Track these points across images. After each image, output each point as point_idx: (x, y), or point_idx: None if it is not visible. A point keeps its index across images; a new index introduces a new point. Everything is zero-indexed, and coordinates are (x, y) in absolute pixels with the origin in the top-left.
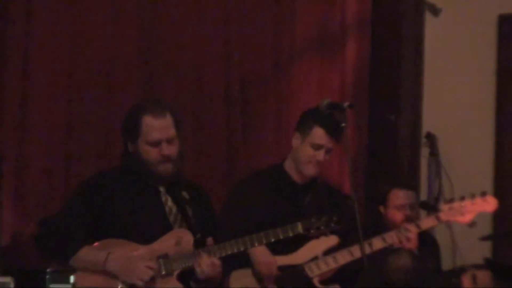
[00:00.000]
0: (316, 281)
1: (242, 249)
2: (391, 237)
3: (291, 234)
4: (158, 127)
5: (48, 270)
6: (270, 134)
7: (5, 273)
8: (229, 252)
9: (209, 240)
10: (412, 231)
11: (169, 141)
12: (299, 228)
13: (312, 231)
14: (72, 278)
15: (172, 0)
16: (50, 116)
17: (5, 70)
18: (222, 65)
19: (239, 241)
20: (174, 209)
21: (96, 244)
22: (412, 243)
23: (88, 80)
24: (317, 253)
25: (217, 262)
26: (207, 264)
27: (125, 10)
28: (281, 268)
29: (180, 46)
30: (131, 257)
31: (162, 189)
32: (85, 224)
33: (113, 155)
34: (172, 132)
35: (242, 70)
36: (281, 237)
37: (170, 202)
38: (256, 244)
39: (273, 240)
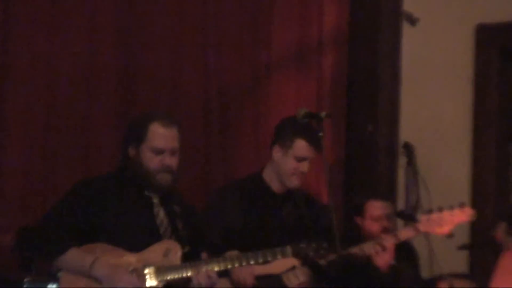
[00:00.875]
0: None
1: (229, 267)
2: (369, 248)
3: (279, 258)
4: (164, 136)
5: (25, 279)
6: (248, 143)
7: None
8: (216, 269)
9: (203, 255)
10: (388, 240)
11: (172, 152)
12: (288, 252)
13: (301, 257)
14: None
15: (151, 8)
16: (27, 120)
17: None
18: (200, 74)
19: (227, 258)
20: (165, 222)
21: (84, 246)
22: (388, 253)
23: (67, 81)
24: (295, 263)
25: (214, 275)
26: (203, 276)
27: (103, 15)
28: (259, 278)
29: (158, 54)
30: (117, 265)
31: (155, 200)
32: (75, 224)
33: (93, 158)
34: (176, 144)
35: (220, 80)
36: (269, 259)
37: (162, 214)
38: (244, 263)
39: (261, 261)
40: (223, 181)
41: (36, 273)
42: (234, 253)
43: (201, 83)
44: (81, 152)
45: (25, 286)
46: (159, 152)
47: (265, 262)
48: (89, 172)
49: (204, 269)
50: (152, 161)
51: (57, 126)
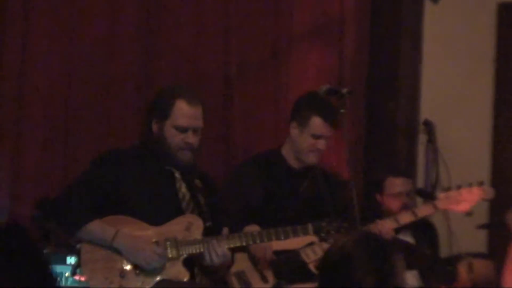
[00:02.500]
0: (312, 267)
1: (250, 243)
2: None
3: (301, 235)
4: (189, 114)
5: (45, 251)
6: (268, 118)
7: None
8: (237, 245)
9: (225, 229)
10: (406, 217)
11: (195, 130)
12: (310, 230)
13: (322, 235)
14: (69, 259)
15: None
16: (48, 95)
17: (3, 46)
18: (220, 49)
19: (248, 235)
20: (188, 196)
21: (106, 218)
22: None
23: (87, 54)
24: (313, 239)
25: (228, 253)
26: (217, 253)
27: None
28: (277, 253)
29: (179, 28)
30: (139, 237)
31: (177, 174)
32: (98, 195)
33: (112, 133)
34: (200, 123)
35: (241, 54)
36: (291, 236)
37: (184, 189)
38: (265, 240)
39: (282, 238)
40: (243, 157)
41: (55, 244)
42: (254, 228)
43: (221, 56)
44: (101, 123)
45: None
46: (182, 130)
47: (286, 239)
48: (108, 144)
49: (221, 244)
50: (174, 139)
51: (77, 98)
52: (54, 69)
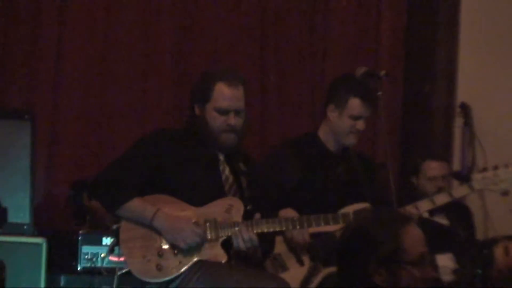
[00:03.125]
0: None
1: (290, 228)
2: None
3: (341, 223)
4: (229, 96)
5: (80, 231)
6: (305, 99)
7: (38, 235)
8: (277, 229)
9: (257, 215)
10: (442, 198)
11: (237, 112)
12: (351, 218)
13: None
14: (105, 240)
15: None
16: (84, 78)
17: (39, 28)
18: (257, 28)
19: (288, 220)
20: (231, 179)
21: (147, 197)
22: None
23: (123, 35)
24: None
25: (254, 238)
26: (243, 238)
27: None
28: (313, 235)
29: (216, 14)
30: (179, 217)
31: (221, 157)
32: (140, 175)
33: (148, 118)
34: (241, 104)
35: (278, 34)
36: (331, 224)
37: (227, 171)
38: (305, 226)
39: (323, 224)
40: (279, 138)
41: (90, 225)
42: (289, 211)
43: (258, 43)
44: (138, 111)
45: (80, 238)
46: (224, 112)
47: (326, 225)
48: (144, 128)
49: (262, 229)
50: (216, 121)
51: (113, 81)
52: (90, 52)
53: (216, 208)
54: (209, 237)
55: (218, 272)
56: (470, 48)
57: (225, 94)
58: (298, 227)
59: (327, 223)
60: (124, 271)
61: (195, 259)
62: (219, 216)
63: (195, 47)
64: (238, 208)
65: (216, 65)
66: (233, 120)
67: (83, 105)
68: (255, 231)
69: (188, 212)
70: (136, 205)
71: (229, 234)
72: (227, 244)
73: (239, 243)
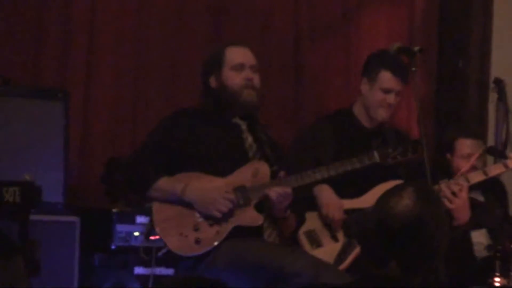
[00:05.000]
0: None
1: (318, 178)
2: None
3: (367, 163)
4: (242, 53)
5: (114, 210)
6: (339, 78)
7: (71, 213)
8: (307, 182)
9: (282, 172)
10: (477, 176)
11: (252, 68)
12: (376, 156)
13: (389, 160)
14: (138, 219)
15: None
16: (118, 57)
17: (72, 10)
18: (291, 12)
19: (316, 170)
20: (254, 147)
21: (175, 176)
22: (460, 200)
23: (156, 16)
24: None
25: (289, 191)
26: (277, 191)
27: None
28: (348, 212)
29: None
30: (209, 188)
31: (243, 126)
32: (165, 155)
33: (180, 95)
34: (253, 60)
35: (311, 17)
36: (358, 166)
37: (250, 139)
38: (332, 173)
39: (349, 169)
40: (313, 116)
41: (123, 204)
42: (326, 189)
43: (292, 22)
44: (169, 85)
45: (114, 217)
46: (240, 67)
47: (354, 169)
48: (176, 105)
49: (294, 183)
50: (235, 79)
51: (145, 60)
52: (123, 29)
53: (243, 174)
54: (241, 202)
55: (243, 245)
56: (504, 23)
57: (237, 52)
58: (332, 173)
59: (353, 165)
60: (163, 251)
61: (232, 226)
62: (247, 181)
63: (230, 28)
64: (264, 170)
65: (250, 39)
66: (251, 74)
67: (116, 83)
68: (291, 186)
69: (217, 183)
70: (165, 184)
71: (260, 195)
72: (261, 207)
73: (272, 196)
